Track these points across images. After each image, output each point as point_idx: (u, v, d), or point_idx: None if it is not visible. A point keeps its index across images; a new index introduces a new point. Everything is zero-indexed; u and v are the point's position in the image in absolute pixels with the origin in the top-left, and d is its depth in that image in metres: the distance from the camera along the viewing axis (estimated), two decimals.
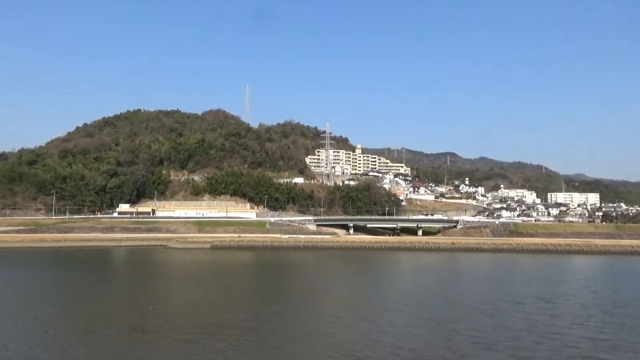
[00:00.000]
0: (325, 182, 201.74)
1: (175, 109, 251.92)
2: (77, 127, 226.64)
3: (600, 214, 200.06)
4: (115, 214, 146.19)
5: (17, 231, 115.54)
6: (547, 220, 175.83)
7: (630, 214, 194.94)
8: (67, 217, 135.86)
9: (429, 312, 41.52)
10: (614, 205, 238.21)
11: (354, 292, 55.09)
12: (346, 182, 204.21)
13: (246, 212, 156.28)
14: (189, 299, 47.34)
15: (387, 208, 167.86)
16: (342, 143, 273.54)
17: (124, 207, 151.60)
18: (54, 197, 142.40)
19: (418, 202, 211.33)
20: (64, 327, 35.23)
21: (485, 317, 39.76)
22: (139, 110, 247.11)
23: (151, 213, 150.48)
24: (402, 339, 32.94)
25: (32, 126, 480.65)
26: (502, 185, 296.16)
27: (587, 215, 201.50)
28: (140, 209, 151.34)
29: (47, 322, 36.68)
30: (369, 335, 33.70)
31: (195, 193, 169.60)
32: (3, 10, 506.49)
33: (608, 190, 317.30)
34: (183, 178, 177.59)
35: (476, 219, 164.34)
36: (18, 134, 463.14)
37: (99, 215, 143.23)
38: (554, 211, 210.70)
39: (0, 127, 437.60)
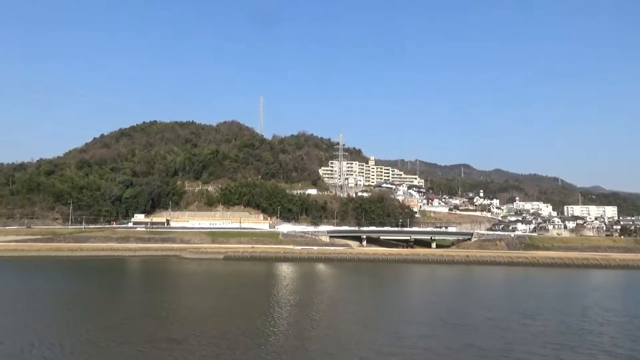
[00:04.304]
0: (338, 193, 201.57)
1: (190, 121, 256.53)
2: (94, 138, 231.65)
3: (618, 227, 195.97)
4: (130, 224, 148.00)
5: (35, 240, 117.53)
6: (560, 232, 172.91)
7: None
8: (83, 226, 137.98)
9: (418, 330, 40.27)
10: (633, 218, 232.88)
11: (346, 307, 52.80)
12: (359, 194, 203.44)
13: (259, 222, 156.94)
14: (191, 311, 47.30)
15: (400, 220, 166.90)
16: (355, 154, 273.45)
17: (139, 217, 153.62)
18: (71, 207, 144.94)
19: (432, 214, 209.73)
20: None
21: (463, 335, 38.24)
22: (155, 121, 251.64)
23: (165, 223, 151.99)
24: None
25: (51, 137, 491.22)
26: (517, 198, 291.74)
27: (604, 228, 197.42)
28: (155, 219, 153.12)
29: (32, 334, 36.48)
30: (330, 351, 32.82)
31: (209, 204, 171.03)
32: (25, 23, 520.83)
33: (626, 203, 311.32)
34: (197, 189, 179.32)
35: (491, 231, 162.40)
36: (37, 145, 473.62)
37: (114, 225, 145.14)
38: (571, 224, 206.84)
39: (19, 138, 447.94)
